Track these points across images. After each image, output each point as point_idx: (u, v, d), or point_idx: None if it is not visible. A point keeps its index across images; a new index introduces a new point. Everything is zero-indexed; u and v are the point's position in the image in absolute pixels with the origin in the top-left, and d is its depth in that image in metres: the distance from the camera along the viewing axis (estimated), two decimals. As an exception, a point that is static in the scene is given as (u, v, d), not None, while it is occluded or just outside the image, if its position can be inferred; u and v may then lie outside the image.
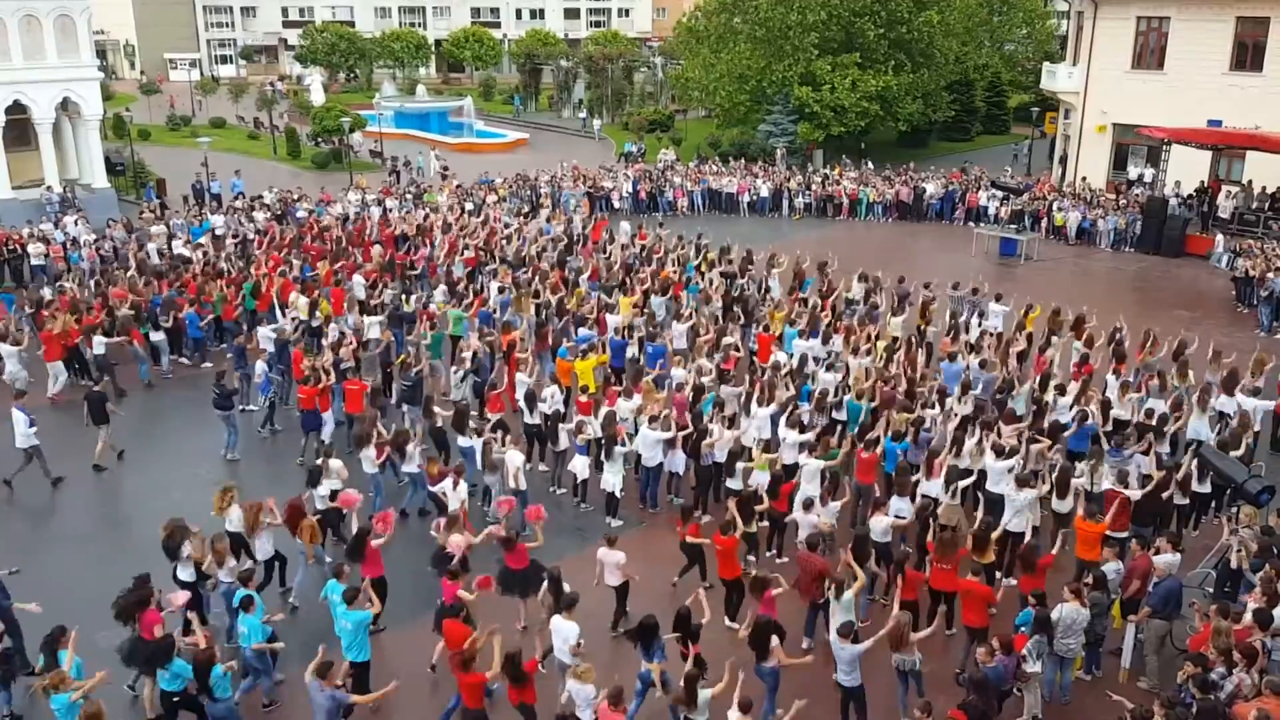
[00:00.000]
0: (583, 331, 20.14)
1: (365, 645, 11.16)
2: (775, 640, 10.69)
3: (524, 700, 10.28)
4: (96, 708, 9.61)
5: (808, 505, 13.40)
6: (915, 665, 11.09)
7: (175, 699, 10.74)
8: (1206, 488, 14.78)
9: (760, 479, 14.43)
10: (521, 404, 16.86)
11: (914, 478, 14.14)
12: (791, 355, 18.98)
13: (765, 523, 14.38)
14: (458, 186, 35.03)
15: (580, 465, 15.79)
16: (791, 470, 14.74)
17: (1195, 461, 14.58)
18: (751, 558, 14.01)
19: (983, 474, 14.58)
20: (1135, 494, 13.67)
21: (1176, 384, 17.61)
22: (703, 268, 24.62)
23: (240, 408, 18.46)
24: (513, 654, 10.09)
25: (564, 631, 10.98)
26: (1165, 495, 14.13)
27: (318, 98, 59.84)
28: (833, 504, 13.83)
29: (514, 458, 14.79)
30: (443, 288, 22.82)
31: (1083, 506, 13.45)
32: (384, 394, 18.88)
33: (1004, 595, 13.21)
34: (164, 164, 40.88)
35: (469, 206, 31.90)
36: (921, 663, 11.14)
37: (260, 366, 18.62)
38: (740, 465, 14.93)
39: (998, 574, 13.33)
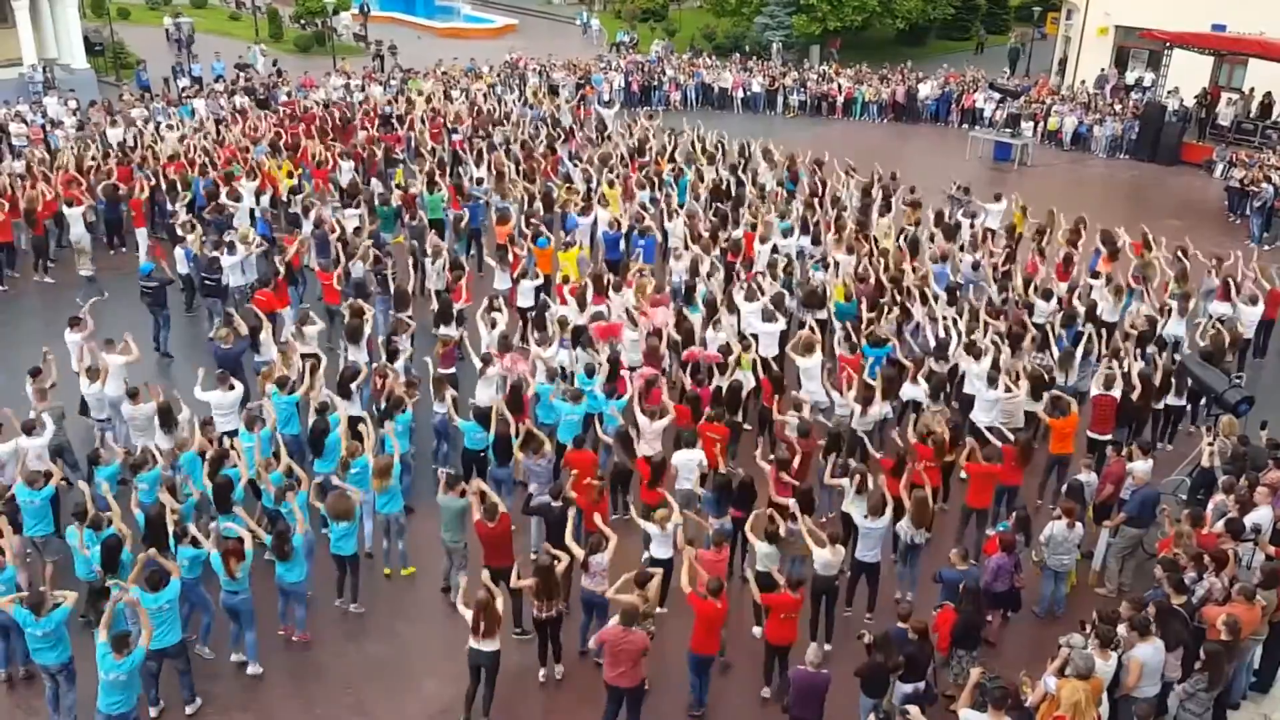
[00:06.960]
0: (573, 219, 19.91)
1: None
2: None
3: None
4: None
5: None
6: (923, 540, 11.51)
7: None
8: (1182, 400, 14.89)
9: (744, 378, 14.37)
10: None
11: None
12: (779, 251, 18.69)
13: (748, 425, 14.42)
14: (443, 74, 34.17)
15: (564, 358, 15.65)
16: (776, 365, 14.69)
17: (1175, 370, 14.64)
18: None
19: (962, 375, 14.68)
20: (1115, 393, 13.73)
21: (1176, 289, 17.40)
22: (698, 162, 24.12)
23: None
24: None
25: (689, 460, 12.18)
26: (1136, 396, 14.06)
27: (302, -23, 57.76)
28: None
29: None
30: (430, 168, 22.20)
31: (1047, 405, 13.48)
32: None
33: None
34: (144, 45, 39.71)
35: (454, 94, 31.19)
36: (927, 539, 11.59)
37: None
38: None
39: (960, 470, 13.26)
